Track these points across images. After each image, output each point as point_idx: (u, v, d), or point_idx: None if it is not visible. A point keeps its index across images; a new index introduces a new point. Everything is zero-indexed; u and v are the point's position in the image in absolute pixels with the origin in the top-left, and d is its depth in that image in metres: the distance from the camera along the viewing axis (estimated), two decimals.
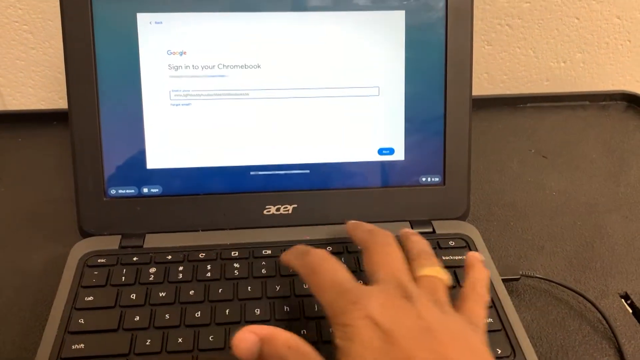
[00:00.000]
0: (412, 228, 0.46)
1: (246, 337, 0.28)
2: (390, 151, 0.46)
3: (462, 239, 0.45)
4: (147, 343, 0.36)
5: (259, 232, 0.45)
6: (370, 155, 0.46)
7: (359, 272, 0.41)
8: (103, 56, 0.43)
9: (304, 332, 0.37)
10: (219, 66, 0.44)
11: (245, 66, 0.44)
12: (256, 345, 0.28)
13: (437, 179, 0.47)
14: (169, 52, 0.43)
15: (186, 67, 0.44)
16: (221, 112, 0.44)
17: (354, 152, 0.46)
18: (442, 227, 0.46)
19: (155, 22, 0.43)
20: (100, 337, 0.36)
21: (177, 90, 0.44)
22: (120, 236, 0.44)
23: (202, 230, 0.45)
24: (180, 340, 0.36)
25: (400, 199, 0.47)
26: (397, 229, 0.45)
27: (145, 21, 0.43)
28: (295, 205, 0.46)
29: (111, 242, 0.43)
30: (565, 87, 0.76)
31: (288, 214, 0.46)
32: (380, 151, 0.46)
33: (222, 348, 0.36)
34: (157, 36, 0.43)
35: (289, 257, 0.35)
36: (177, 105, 0.44)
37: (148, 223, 0.45)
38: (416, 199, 0.47)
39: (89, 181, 0.44)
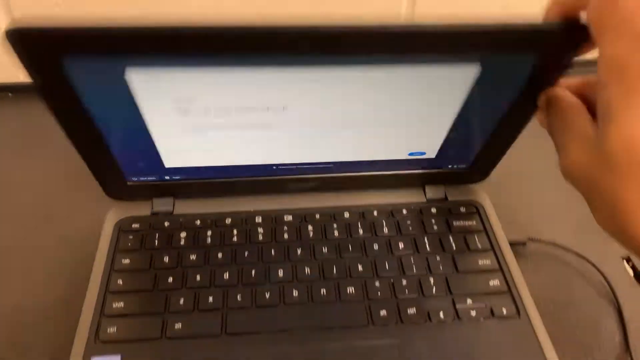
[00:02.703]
0: (424, 192, 0.48)
1: None
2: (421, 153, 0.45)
3: (473, 205, 0.47)
4: (181, 302, 0.40)
5: (281, 199, 0.47)
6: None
7: (374, 237, 0.44)
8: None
9: (323, 291, 0.40)
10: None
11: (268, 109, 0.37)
12: None
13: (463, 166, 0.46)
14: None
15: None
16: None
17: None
18: (454, 193, 0.48)
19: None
20: (138, 296, 0.40)
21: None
22: (151, 201, 0.46)
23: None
24: (210, 299, 0.40)
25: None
26: (411, 195, 0.47)
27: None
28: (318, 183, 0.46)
29: (143, 208, 0.46)
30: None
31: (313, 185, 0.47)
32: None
33: (250, 306, 0.40)
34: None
35: None
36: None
37: (176, 192, 0.46)
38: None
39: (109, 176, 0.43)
